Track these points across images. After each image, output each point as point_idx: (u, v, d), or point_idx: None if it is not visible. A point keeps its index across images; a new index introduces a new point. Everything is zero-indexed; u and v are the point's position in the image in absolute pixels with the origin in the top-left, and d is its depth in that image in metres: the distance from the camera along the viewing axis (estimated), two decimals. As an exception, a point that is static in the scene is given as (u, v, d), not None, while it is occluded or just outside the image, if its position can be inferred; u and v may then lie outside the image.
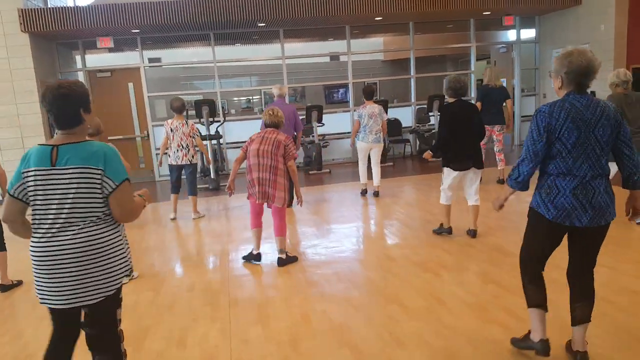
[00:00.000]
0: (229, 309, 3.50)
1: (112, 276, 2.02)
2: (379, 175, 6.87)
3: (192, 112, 8.94)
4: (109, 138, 9.51)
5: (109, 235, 2.02)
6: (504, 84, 8.96)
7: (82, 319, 2.09)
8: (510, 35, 11.58)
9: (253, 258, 4.45)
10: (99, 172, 1.95)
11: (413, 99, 10.84)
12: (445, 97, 4.78)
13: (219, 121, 9.13)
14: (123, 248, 2.10)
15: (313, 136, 9.41)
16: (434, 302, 3.36)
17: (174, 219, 6.32)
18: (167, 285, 4.06)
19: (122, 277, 2.09)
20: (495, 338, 2.84)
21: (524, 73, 11.22)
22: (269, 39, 10.53)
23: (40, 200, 1.95)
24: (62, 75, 9.32)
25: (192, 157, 6.15)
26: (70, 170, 1.93)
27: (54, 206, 1.94)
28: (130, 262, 2.18)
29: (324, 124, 9.53)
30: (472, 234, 4.72)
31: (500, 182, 7.05)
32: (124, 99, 9.55)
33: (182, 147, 6.08)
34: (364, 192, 6.99)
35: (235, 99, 14.10)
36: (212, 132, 8.70)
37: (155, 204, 7.58)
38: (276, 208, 4.31)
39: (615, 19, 8.96)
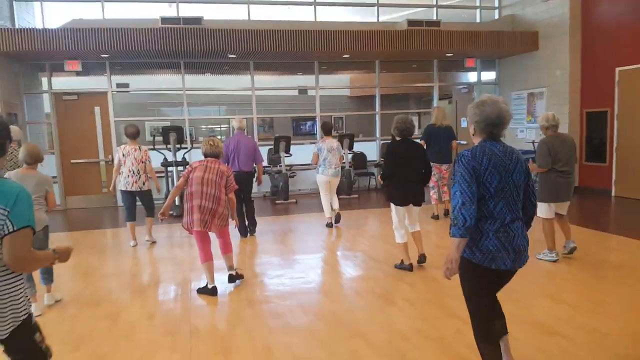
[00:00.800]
0: (190, 340, 3.44)
1: (17, 312, 1.95)
2: (337, 202, 7.16)
3: (160, 139, 8.87)
4: (72, 161, 9.35)
5: (7, 280, 1.92)
6: (463, 124, 9.38)
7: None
8: (472, 76, 12.17)
9: (208, 292, 4.31)
10: (5, 212, 1.84)
11: (378, 134, 11.14)
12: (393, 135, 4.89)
13: (185, 148, 9.08)
14: (21, 291, 1.99)
15: (280, 166, 9.48)
16: (397, 337, 3.39)
17: (134, 246, 6.18)
18: (125, 314, 3.96)
19: (25, 313, 2.00)
20: (455, 370, 2.90)
21: (484, 113, 11.74)
22: (239, 70, 10.67)
23: None
24: (27, 97, 9.11)
25: (143, 183, 6.05)
26: None
27: None
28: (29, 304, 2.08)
29: (291, 154, 9.63)
30: (422, 259, 4.89)
31: (435, 217, 7.31)
32: (89, 122, 9.40)
33: (133, 172, 5.98)
34: (329, 225, 7.05)
35: (203, 127, 14.07)
36: (179, 158, 8.63)
37: (116, 230, 7.40)
38: (218, 230, 4.39)
39: (570, 65, 9.58)
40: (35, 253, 2.00)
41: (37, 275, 4.10)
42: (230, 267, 4.52)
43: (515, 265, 2.41)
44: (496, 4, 11.31)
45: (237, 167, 6.29)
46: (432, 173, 7.09)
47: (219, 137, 13.50)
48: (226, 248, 4.51)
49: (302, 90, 12.94)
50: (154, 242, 6.32)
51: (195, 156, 9.73)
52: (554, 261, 4.92)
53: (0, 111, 7.74)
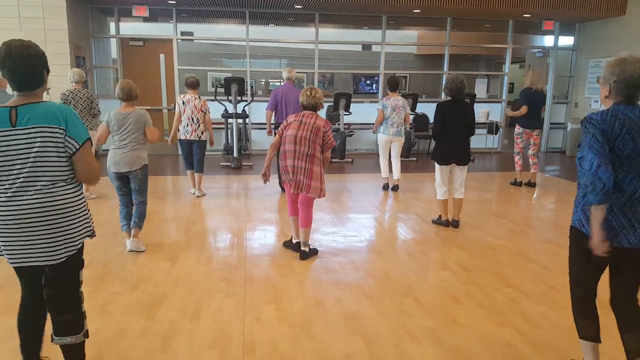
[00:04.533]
0: (245, 286, 3.51)
1: (74, 236, 2.04)
2: (399, 169, 6.79)
3: (221, 90, 8.93)
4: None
5: (70, 195, 2.02)
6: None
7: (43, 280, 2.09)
8: (548, 40, 11.28)
9: (293, 248, 4.19)
10: (62, 131, 1.95)
11: (443, 96, 10.66)
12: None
13: (246, 100, 9.11)
14: (85, 209, 2.11)
15: (339, 124, 9.34)
16: (449, 301, 3.32)
17: (194, 193, 6.33)
18: (184, 257, 4.09)
19: (84, 237, 2.11)
20: (509, 342, 2.79)
21: (557, 80, 10.95)
22: (304, 22, 10.44)
23: (1, 160, 1.92)
24: (95, 41, 9.39)
25: (202, 133, 6.04)
26: (32, 130, 1.92)
27: (17, 166, 1.92)
28: (92, 223, 2.18)
29: (351, 113, 9.45)
30: (455, 224, 5.00)
31: (518, 184, 7.17)
32: (154, 69, 9.60)
33: (193, 121, 5.98)
34: (385, 187, 6.87)
35: (263, 80, 14.06)
36: (239, 110, 8.69)
37: (176, 177, 7.65)
38: (304, 198, 4.04)
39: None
40: (96, 166, 2.13)
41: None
42: (305, 243, 4.10)
43: None
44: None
45: (284, 118, 6.03)
46: (521, 139, 7.03)
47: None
48: (306, 221, 4.07)
49: (366, 46, 12.55)
50: (204, 195, 6.33)
51: (256, 109, 9.83)
52: None
53: (69, 53, 8.03)
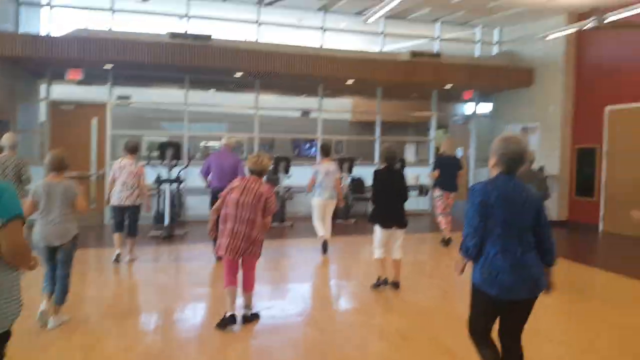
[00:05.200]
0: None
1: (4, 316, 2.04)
2: (330, 229, 6.93)
3: (156, 154, 8.71)
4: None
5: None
6: (459, 154, 9.53)
7: None
8: (468, 108, 12.25)
9: (228, 323, 3.95)
10: None
11: (377, 160, 11.08)
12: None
13: (182, 164, 8.95)
14: (16, 289, 2.08)
15: (279, 187, 9.37)
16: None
17: (117, 257, 5.96)
18: (100, 347, 3.67)
19: (12, 319, 2.10)
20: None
21: (479, 144, 11.80)
22: (244, 89, 10.67)
23: None
24: (21, 105, 8.96)
25: (136, 198, 5.95)
26: None
27: None
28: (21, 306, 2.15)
29: (291, 175, 9.53)
30: (396, 285, 5.08)
31: (444, 242, 7.48)
32: (84, 133, 9.20)
33: (128, 186, 5.91)
34: (324, 244, 6.81)
35: (203, 143, 13.95)
36: (174, 175, 8.47)
37: (100, 250, 7.10)
38: (247, 261, 4.08)
39: (563, 103, 9.79)
40: (28, 245, 2.12)
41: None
42: (247, 306, 4.13)
43: (532, 294, 2.54)
44: (495, 40, 11.45)
45: (219, 182, 6.11)
46: (441, 200, 7.58)
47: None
48: (249, 285, 4.11)
49: (305, 113, 12.92)
50: (133, 260, 6.11)
51: (193, 173, 9.63)
52: None
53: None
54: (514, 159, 2.54)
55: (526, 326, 2.67)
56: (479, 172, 11.72)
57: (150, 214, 7.87)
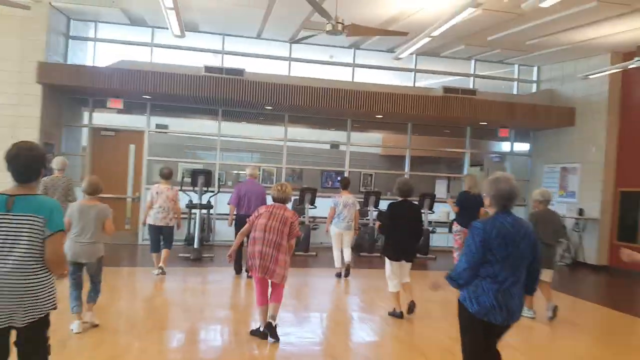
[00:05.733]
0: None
1: (43, 304, 2.38)
2: (350, 255, 7.23)
3: (189, 180, 8.99)
4: (100, 196, 9.49)
5: (42, 271, 2.38)
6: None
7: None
8: (505, 146, 12.06)
9: (260, 335, 4.28)
10: (44, 221, 2.35)
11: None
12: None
13: (213, 191, 9.16)
14: (52, 285, 2.45)
15: (304, 217, 9.42)
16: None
17: (158, 273, 6.39)
18: (126, 357, 3.81)
19: (50, 308, 2.44)
20: None
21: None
22: (274, 121, 10.95)
23: None
24: (66, 129, 9.48)
25: (170, 220, 6.52)
26: (22, 216, 2.34)
27: (7, 242, 2.31)
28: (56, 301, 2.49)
29: (316, 207, 9.58)
30: (412, 305, 5.18)
31: None
32: (122, 159, 9.68)
33: (164, 209, 6.47)
34: (338, 275, 7.20)
35: (235, 171, 14.29)
36: (205, 201, 8.70)
37: (133, 269, 7.38)
38: (278, 280, 4.29)
39: (606, 144, 9.42)
40: (65, 257, 2.61)
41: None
42: (273, 317, 4.31)
43: (505, 322, 2.71)
44: (535, 78, 11.35)
45: (247, 210, 6.64)
46: (459, 236, 7.45)
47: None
48: (277, 297, 4.36)
49: (334, 145, 13.08)
50: (164, 273, 6.46)
51: (223, 199, 9.86)
52: (532, 318, 5.34)
53: (38, 139, 8.04)
54: (506, 197, 2.72)
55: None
56: (515, 211, 11.40)
57: (181, 231, 8.11)
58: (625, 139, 9.33)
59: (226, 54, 9.97)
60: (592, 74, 8.20)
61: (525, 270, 2.74)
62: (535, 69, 11.30)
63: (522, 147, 11.66)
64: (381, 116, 10.07)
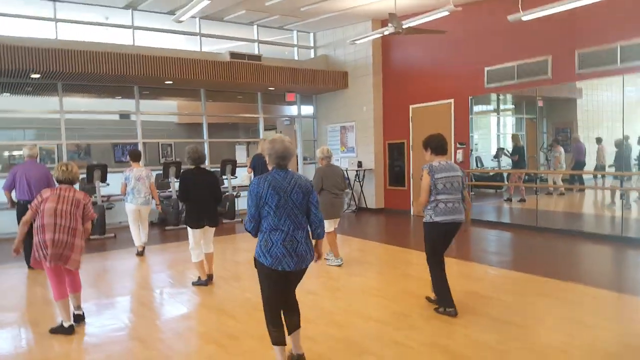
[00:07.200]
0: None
1: None
2: (147, 235, 7.13)
3: None
4: None
5: None
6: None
7: None
8: (293, 110, 12.94)
9: (65, 332, 3.98)
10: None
11: (207, 162, 10.98)
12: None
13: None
14: None
15: (95, 197, 8.64)
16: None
17: None
18: None
19: None
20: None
21: (305, 144, 12.57)
22: (46, 92, 9.55)
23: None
24: None
25: None
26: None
27: None
28: None
29: (108, 184, 8.86)
30: (210, 278, 5.41)
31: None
32: None
33: None
34: (139, 254, 6.99)
35: (6, 153, 12.10)
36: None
37: None
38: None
39: (374, 103, 10.88)
40: None
41: None
42: (78, 307, 4.21)
43: (298, 266, 3.02)
44: (312, 44, 12.27)
45: (28, 195, 6.01)
46: None
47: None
48: (75, 286, 4.18)
49: (124, 115, 12.11)
50: None
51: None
52: (339, 265, 5.99)
53: None
54: (280, 156, 3.05)
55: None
56: (306, 169, 12.46)
57: None
58: (388, 97, 10.93)
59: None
60: (358, 40, 9.16)
61: (304, 217, 3.07)
62: (312, 35, 12.24)
63: (308, 109, 12.69)
64: (171, 82, 9.69)
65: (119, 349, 3.84)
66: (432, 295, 4.44)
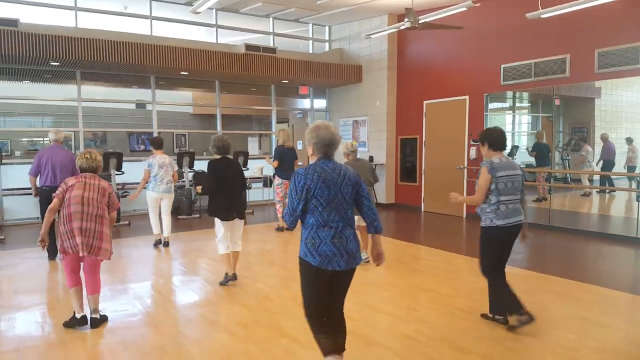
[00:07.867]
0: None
1: None
2: (169, 226, 6.97)
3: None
4: None
5: None
6: (299, 146, 10.13)
7: None
8: (306, 103, 12.94)
9: (78, 323, 3.92)
10: None
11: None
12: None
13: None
14: None
15: (111, 184, 8.75)
16: (225, 363, 3.38)
17: None
18: None
19: None
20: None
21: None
22: (65, 80, 9.70)
23: None
24: None
25: None
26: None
27: None
28: None
29: (123, 172, 8.99)
30: (234, 277, 5.08)
31: (281, 229, 8.04)
32: None
33: None
34: (157, 243, 6.93)
35: (25, 139, 12.34)
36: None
37: None
38: (91, 263, 3.96)
39: (387, 98, 10.84)
40: None
41: None
42: (95, 310, 3.99)
43: (349, 265, 2.73)
44: (327, 37, 12.25)
45: (52, 181, 5.92)
46: (281, 188, 7.90)
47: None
48: (94, 287, 3.99)
49: (140, 105, 12.25)
50: None
51: (13, 172, 8.50)
52: (367, 261, 5.51)
53: None
54: (327, 144, 2.75)
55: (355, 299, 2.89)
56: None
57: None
58: (402, 92, 10.88)
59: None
60: (373, 34, 9.14)
61: (352, 212, 2.80)
62: (327, 28, 12.22)
63: (321, 103, 12.69)
64: (186, 73, 9.76)
65: (133, 334, 3.92)
66: (490, 314, 4.00)
